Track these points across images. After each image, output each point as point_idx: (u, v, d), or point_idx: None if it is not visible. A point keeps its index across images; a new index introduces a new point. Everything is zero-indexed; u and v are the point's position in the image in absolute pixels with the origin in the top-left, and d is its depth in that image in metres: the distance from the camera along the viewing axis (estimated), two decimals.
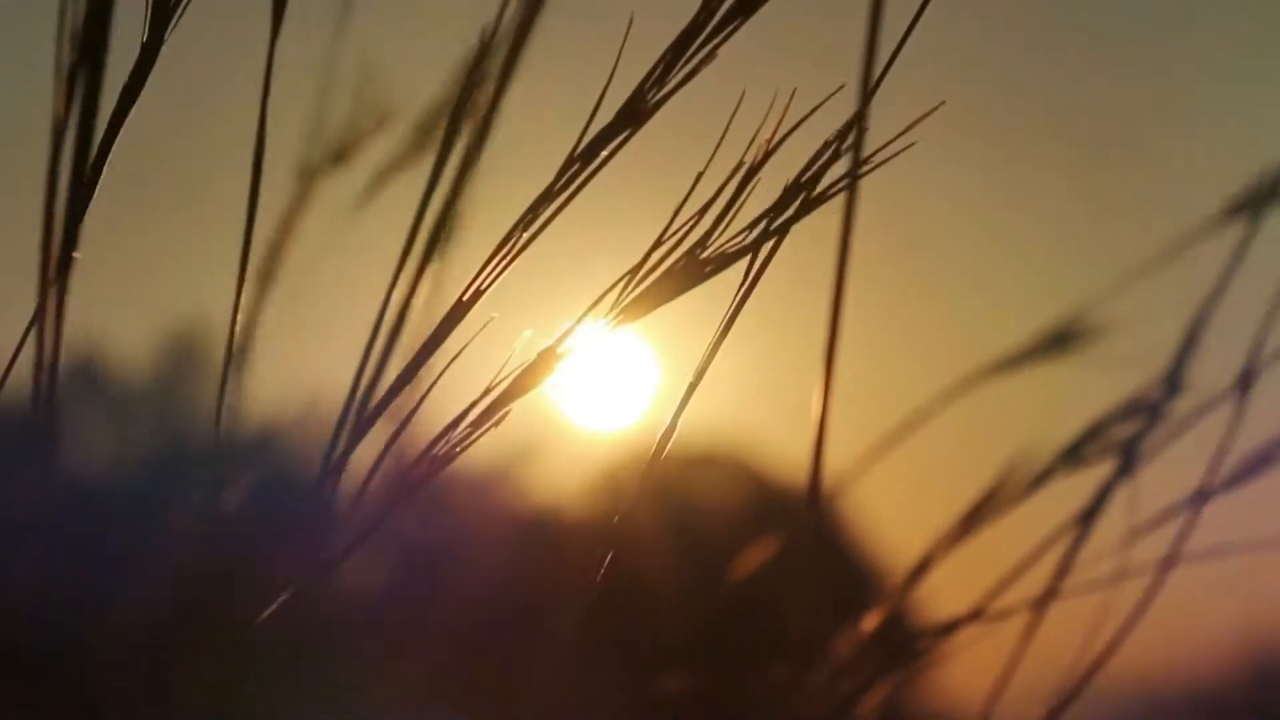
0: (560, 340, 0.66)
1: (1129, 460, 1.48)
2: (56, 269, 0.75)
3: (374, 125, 1.35)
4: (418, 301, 0.74)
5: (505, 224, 0.70)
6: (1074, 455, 1.51)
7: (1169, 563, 1.30)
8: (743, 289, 0.63)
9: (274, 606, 0.66)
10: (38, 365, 0.76)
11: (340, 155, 1.36)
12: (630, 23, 0.65)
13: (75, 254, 0.75)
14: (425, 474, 0.64)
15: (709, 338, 0.68)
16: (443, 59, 1.33)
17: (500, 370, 0.66)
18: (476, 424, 0.65)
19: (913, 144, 0.59)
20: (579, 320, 0.66)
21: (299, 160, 1.35)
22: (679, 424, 0.71)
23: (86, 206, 0.70)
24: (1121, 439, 1.50)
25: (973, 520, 1.53)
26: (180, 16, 0.68)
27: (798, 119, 0.62)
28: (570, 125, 0.68)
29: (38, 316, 0.75)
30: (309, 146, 1.35)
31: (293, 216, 1.33)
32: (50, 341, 0.75)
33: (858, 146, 0.62)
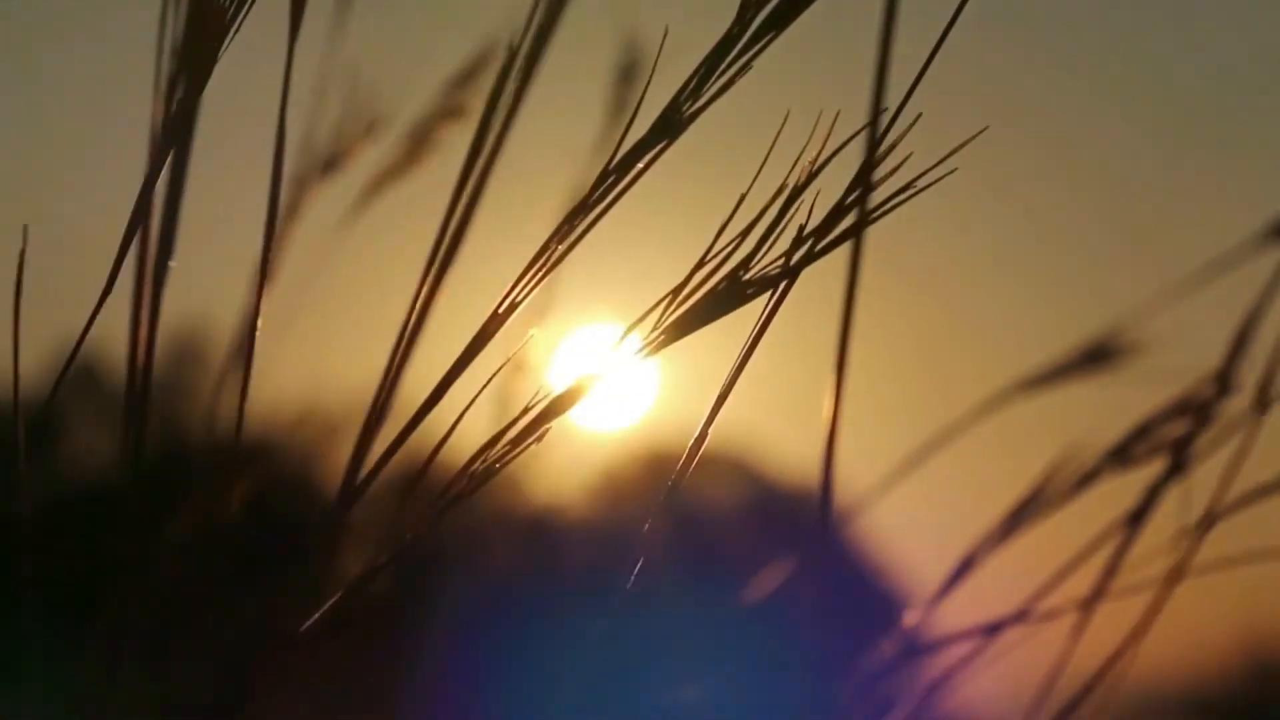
0: (601, 359, 0.68)
1: (1178, 461, 1.50)
2: (154, 273, 0.78)
3: (365, 132, 1.39)
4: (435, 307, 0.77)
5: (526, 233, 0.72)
6: (1121, 455, 1.53)
7: (1176, 575, 1.33)
8: (769, 308, 0.66)
9: (319, 614, 0.68)
10: (132, 362, 0.80)
11: (333, 163, 1.40)
12: (665, 35, 0.67)
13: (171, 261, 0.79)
14: (464, 490, 0.67)
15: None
16: (434, 65, 1.36)
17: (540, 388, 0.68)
18: (516, 441, 0.68)
19: (954, 170, 0.62)
20: (621, 339, 0.68)
21: (293, 168, 1.39)
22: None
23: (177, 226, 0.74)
24: (1170, 439, 1.52)
25: (1016, 521, 1.55)
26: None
27: (833, 139, 0.64)
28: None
29: (133, 317, 0.78)
30: (302, 154, 1.39)
31: (287, 224, 1.37)
32: (145, 340, 0.79)
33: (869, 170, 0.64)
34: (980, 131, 0.62)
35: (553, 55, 0.77)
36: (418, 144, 1.36)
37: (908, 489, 1.57)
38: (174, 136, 0.76)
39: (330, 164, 1.38)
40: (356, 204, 1.38)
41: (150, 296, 0.81)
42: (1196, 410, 1.51)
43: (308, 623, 0.68)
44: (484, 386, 0.66)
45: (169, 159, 0.77)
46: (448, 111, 1.38)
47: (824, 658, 1.16)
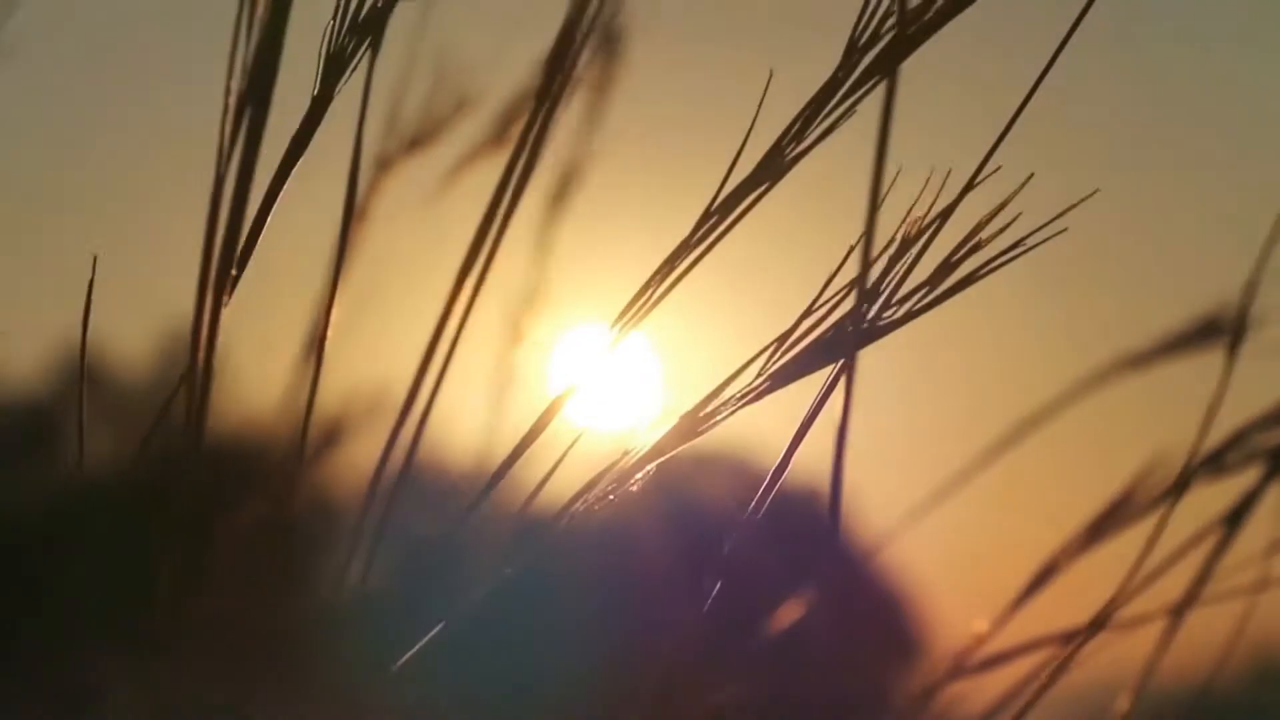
0: (704, 403, 0.72)
1: (1275, 469, 1.52)
2: (215, 288, 0.82)
3: (453, 112, 1.41)
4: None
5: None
6: (1215, 462, 1.55)
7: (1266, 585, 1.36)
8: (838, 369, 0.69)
9: (416, 648, 0.73)
10: (190, 383, 0.83)
11: (417, 142, 1.42)
12: (770, 77, 0.70)
13: (234, 273, 0.82)
14: (566, 528, 0.71)
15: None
16: (523, 45, 1.39)
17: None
18: (619, 481, 0.72)
19: (1065, 230, 0.65)
20: (725, 383, 0.72)
21: (375, 148, 1.41)
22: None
23: (239, 239, 0.77)
24: (1267, 447, 1.54)
25: (1101, 529, 1.58)
26: (353, 71, 0.75)
27: (949, 194, 0.68)
28: (706, 179, 0.74)
29: (194, 334, 0.82)
30: (386, 134, 1.41)
31: (367, 205, 1.40)
32: (204, 357, 0.82)
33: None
34: (1091, 194, 0.65)
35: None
36: (506, 125, 1.38)
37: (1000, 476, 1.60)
38: (242, 151, 0.79)
39: (416, 142, 1.40)
40: (441, 184, 1.41)
41: (211, 306, 0.84)
42: None
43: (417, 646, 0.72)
44: (567, 451, 0.70)
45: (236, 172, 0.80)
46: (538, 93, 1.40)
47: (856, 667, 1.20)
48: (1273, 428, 1.52)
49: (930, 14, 0.73)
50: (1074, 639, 1.52)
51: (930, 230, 0.67)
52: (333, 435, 1.64)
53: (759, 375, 0.71)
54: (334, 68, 0.75)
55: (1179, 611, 1.47)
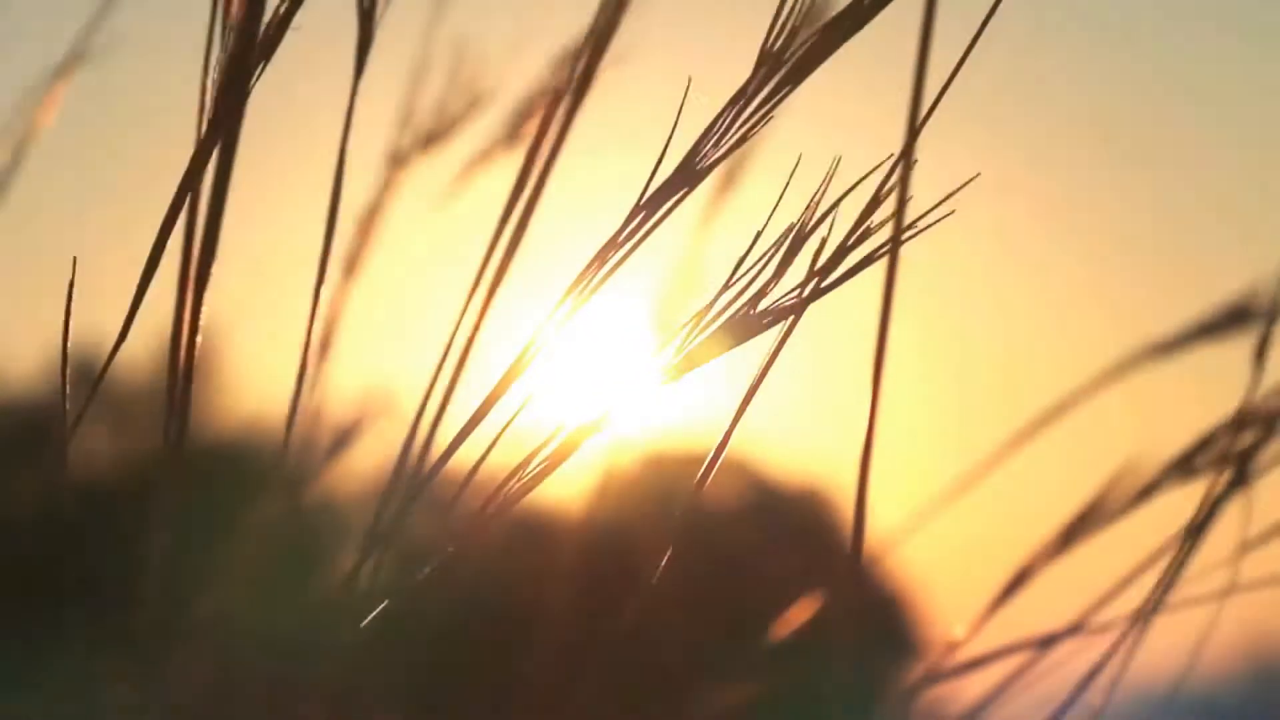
0: (626, 386, 0.79)
1: (1241, 474, 1.57)
2: (196, 280, 0.87)
3: (467, 110, 1.45)
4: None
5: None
6: (1184, 467, 1.60)
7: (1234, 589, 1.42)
8: (782, 338, 0.76)
9: (368, 619, 0.79)
10: (172, 372, 0.89)
11: (431, 141, 1.46)
12: (689, 85, 0.77)
13: (213, 266, 0.88)
14: (499, 510, 0.78)
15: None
16: (538, 44, 1.43)
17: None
18: (548, 463, 0.78)
19: (952, 212, 0.71)
20: (643, 365, 0.79)
21: (388, 146, 1.46)
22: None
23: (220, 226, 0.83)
24: (1235, 451, 1.59)
25: (1073, 533, 1.63)
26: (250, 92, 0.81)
27: (846, 178, 0.74)
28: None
29: (175, 325, 0.88)
30: (399, 132, 1.45)
31: (379, 204, 1.44)
32: (186, 349, 0.88)
33: (900, 211, 0.74)
34: (973, 178, 0.72)
35: None
36: (519, 124, 1.42)
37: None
38: (220, 150, 0.85)
39: (430, 139, 1.44)
40: (453, 184, 1.44)
41: (192, 302, 0.90)
42: (1263, 421, 1.58)
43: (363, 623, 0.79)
44: (508, 423, 0.76)
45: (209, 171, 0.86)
46: (552, 91, 1.43)
47: (856, 671, 1.25)
48: (1239, 431, 1.57)
49: (846, 22, 0.79)
50: (1049, 643, 1.57)
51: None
52: (342, 436, 1.69)
53: (675, 355, 0.78)
54: (229, 92, 0.81)
55: (1147, 616, 1.52)
